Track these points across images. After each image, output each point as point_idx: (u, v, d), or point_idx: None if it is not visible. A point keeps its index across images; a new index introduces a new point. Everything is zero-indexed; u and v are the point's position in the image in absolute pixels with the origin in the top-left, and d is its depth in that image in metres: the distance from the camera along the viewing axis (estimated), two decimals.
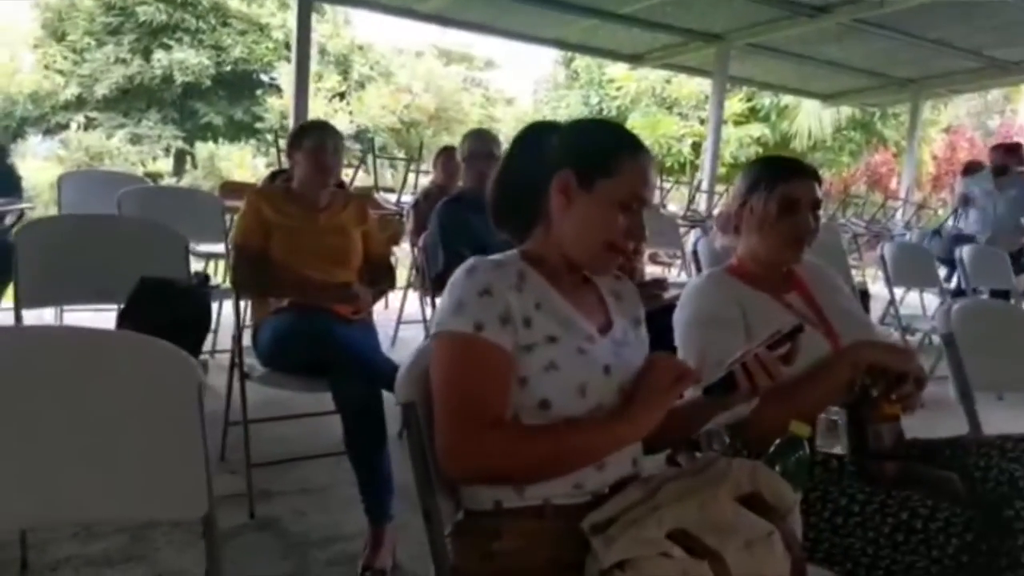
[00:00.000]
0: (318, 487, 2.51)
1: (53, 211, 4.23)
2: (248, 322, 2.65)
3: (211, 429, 1.16)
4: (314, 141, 2.50)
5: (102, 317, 2.88)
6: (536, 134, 1.22)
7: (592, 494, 1.09)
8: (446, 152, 4.63)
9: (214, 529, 1.11)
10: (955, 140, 17.14)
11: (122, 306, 2.19)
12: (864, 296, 3.71)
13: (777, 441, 1.15)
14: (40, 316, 3.44)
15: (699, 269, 3.39)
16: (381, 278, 2.63)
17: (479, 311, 1.07)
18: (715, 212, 7.25)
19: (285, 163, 4.91)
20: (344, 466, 2.19)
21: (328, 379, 2.12)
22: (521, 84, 31.48)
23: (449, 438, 1.05)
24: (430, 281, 2.86)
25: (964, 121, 19.11)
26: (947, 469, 1.38)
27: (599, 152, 1.15)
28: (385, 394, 2.12)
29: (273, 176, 2.95)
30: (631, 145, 1.17)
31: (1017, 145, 5.88)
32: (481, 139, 2.94)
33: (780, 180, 1.56)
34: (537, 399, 1.08)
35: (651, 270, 5.35)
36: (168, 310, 2.03)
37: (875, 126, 16.01)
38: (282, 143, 5.49)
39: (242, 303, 2.69)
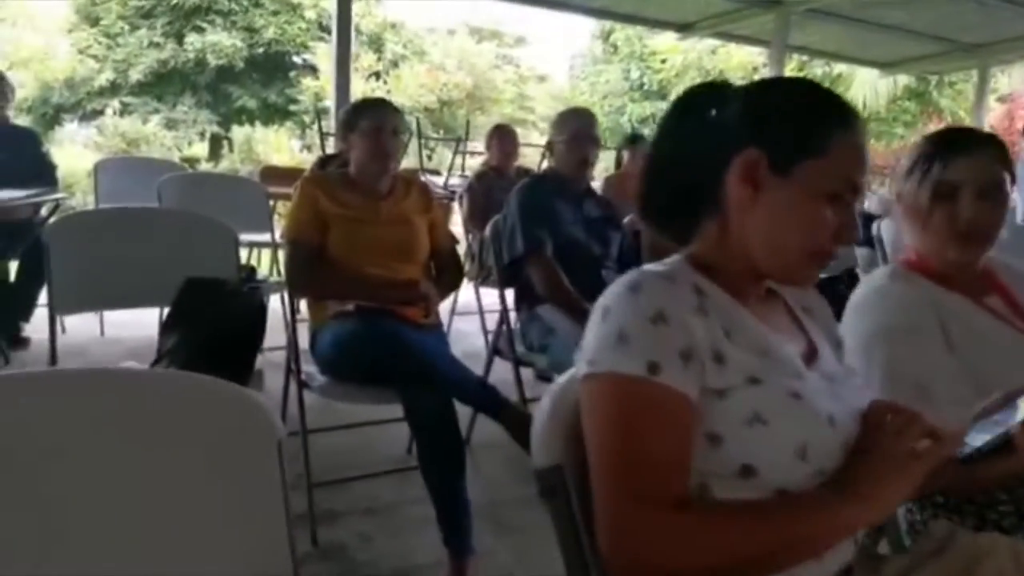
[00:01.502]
0: (384, 506, 2.25)
1: (92, 199, 4.03)
2: (302, 315, 2.40)
3: None
4: (371, 121, 2.21)
5: (146, 319, 2.66)
6: (703, 100, 0.92)
7: None
8: (500, 131, 4.33)
9: None
10: (1013, 109, 16.31)
11: (167, 310, 1.95)
12: None
13: None
14: (77, 321, 3.24)
15: None
16: (449, 273, 2.34)
17: (653, 345, 0.79)
18: None
19: (328, 147, 4.63)
20: (411, 481, 1.96)
21: (399, 392, 1.87)
22: (553, 60, 30.94)
23: (617, 524, 0.77)
24: (502, 267, 2.55)
25: (1020, 88, 18.21)
26: None
27: (801, 124, 0.85)
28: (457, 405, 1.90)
29: (323, 162, 2.66)
30: (844, 114, 0.87)
31: None
32: (586, 118, 2.56)
33: (936, 161, 1.23)
34: (736, 464, 0.79)
35: None
36: (221, 317, 1.79)
37: (931, 95, 15.29)
38: (325, 125, 5.24)
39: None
